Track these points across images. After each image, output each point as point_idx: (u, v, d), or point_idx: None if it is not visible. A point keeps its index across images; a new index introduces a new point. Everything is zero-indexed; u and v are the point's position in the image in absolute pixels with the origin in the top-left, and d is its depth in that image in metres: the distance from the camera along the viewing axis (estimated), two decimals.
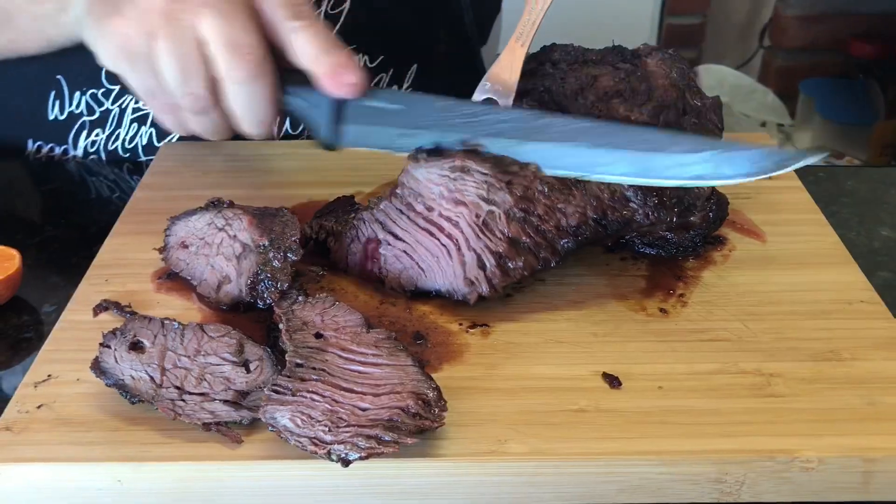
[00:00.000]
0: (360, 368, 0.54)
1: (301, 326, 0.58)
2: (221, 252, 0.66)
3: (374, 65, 0.97)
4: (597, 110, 0.66)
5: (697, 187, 0.67)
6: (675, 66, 0.70)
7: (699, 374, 0.59)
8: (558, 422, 0.55)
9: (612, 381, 0.58)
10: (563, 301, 0.65)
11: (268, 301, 0.61)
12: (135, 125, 0.94)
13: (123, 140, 0.94)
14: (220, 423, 0.54)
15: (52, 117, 0.95)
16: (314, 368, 0.54)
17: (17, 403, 0.57)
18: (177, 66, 0.61)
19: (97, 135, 0.94)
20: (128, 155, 0.93)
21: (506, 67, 0.68)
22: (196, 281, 0.66)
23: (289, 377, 0.53)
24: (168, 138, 0.93)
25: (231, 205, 0.68)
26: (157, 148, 0.90)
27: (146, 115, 0.92)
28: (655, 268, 0.69)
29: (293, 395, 0.52)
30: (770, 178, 0.62)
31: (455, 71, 1.04)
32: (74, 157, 0.94)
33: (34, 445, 0.54)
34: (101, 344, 0.57)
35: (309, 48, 0.62)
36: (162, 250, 0.69)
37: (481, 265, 0.62)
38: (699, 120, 0.71)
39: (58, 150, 0.95)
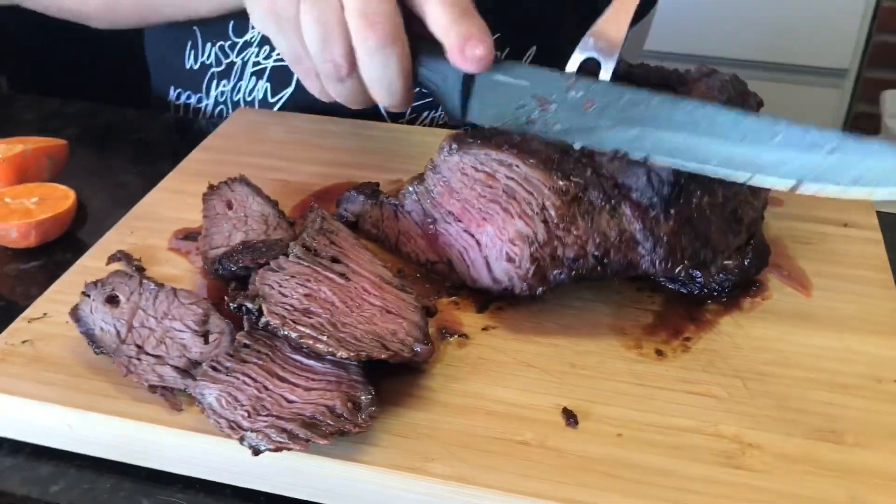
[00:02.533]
0: (303, 359, 0.54)
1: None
2: (250, 230, 0.66)
3: None
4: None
5: (729, 239, 0.61)
6: (723, 97, 0.63)
7: (668, 428, 0.53)
8: (494, 450, 0.52)
9: (570, 418, 0.54)
10: (555, 324, 0.61)
11: (231, 270, 0.61)
12: (254, 79, 0.97)
13: (244, 92, 0.98)
14: (165, 388, 0.55)
15: (188, 66, 1.01)
16: (259, 351, 0.54)
17: (7, 335, 0.60)
18: (318, 32, 0.62)
19: (224, 85, 0.98)
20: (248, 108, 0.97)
21: (612, 22, 0.62)
22: (204, 233, 0.67)
23: (231, 356, 0.53)
24: (280, 95, 0.96)
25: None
26: (272, 103, 0.93)
27: (264, 70, 0.96)
28: (670, 304, 0.63)
29: (227, 374, 0.52)
30: None
31: None
32: (207, 105, 0.99)
33: (3, 377, 0.57)
34: (82, 292, 0.59)
35: (442, 17, 0.60)
36: (213, 188, 0.71)
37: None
38: None
39: (194, 99, 1.01)
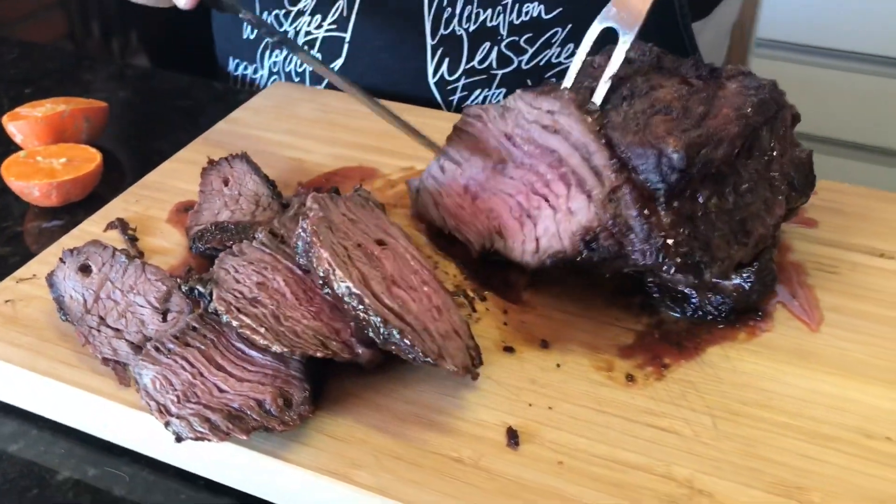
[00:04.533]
0: (246, 349, 0.53)
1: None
2: (238, 210, 0.66)
3: (549, 16, 0.90)
4: (636, 121, 0.56)
5: (732, 249, 0.56)
6: (755, 98, 0.57)
7: (615, 462, 0.49)
8: (426, 465, 0.50)
9: (512, 438, 0.51)
10: (528, 335, 0.58)
11: (201, 250, 0.61)
12: (305, 48, 0.97)
13: (296, 63, 0.98)
14: (118, 362, 0.55)
15: (245, 37, 1.02)
16: (204, 336, 0.53)
17: None
18: None
19: (277, 56, 0.99)
20: (298, 79, 0.98)
21: None
22: (196, 208, 0.67)
23: (176, 338, 0.53)
24: (331, 67, 0.95)
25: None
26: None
27: (315, 39, 0.96)
28: (659, 326, 0.59)
29: (167, 356, 0.52)
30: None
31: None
32: (262, 76, 1.00)
33: None
34: (59, 258, 0.60)
35: None
36: (213, 163, 0.71)
37: None
38: (766, 169, 0.58)
39: (250, 69, 1.02)
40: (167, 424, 0.49)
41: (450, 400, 0.54)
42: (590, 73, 0.61)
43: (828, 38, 2.06)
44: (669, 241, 0.54)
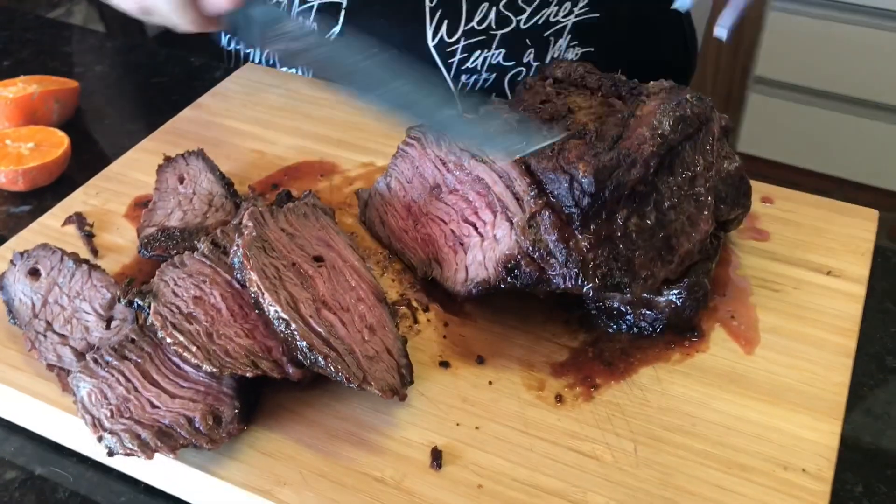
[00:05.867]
0: (181, 364, 0.54)
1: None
2: (190, 210, 0.67)
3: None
4: (552, 147, 0.57)
5: (656, 267, 0.57)
6: (674, 115, 0.57)
7: (532, 486, 0.51)
8: (348, 484, 0.51)
9: (436, 459, 0.52)
10: (466, 350, 0.59)
11: (148, 256, 0.62)
12: (300, 18, 0.96)
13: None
14: (62, 368, 0.56)
15: None
16: (142, 349, 0.55)
17: None
18: None
19: None
20: None
21: None
22: (150, 206, 0.68)
23: (115, 350, 0.54)
24: (328, 35, 0.95)
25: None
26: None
27: (311, 7, 0.95)
28: (594, 344, 0.59)
29: (104, 369, 0.53)
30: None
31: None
32: (255, 50, 1.00)
33: None
34: (10, 260, 0.62)
35: None
36: (169, 160, 0.72)
37: None
38: (690, 185, 0.58)
39: (243, 44, 1.01)
40: (100, 439, 0.51)
41: (381, 417, 0.55)
42: (524, 96, 0.61)
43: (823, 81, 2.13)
44: (588, 264, 0.55)
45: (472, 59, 0.90)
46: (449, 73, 0.91)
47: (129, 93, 0.94)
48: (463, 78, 0.90)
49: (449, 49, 0.89)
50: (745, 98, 2.31)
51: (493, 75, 0.89)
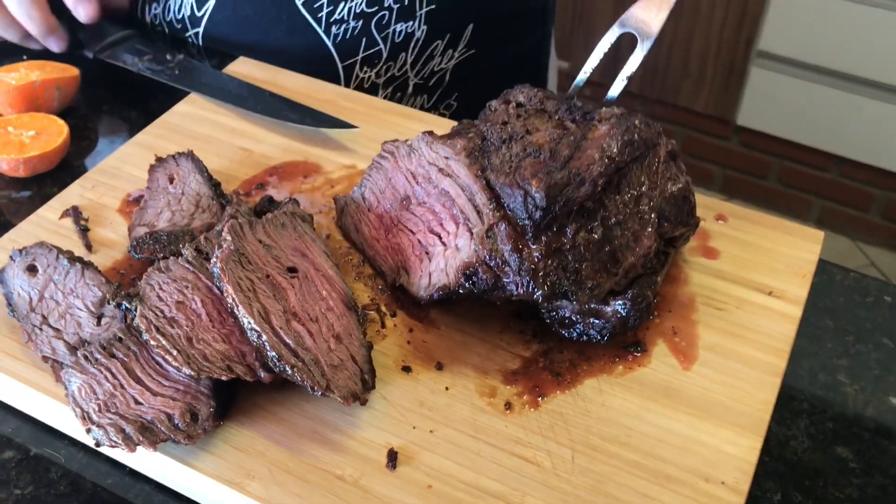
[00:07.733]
0: (163, 363, 0.59)
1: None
2: (178, 211, 0.71)
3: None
4: (510, 163, 0.62)
5: (601, 278, 0.62)
6: (622, 139, 0.62)
7: (476, 489, 0.56)
8: (311, 480, 0.57)
9: (391, 460, 0.58)
10: (427, 355, 0.64)
11: (136, 258, 0.67)
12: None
13: (174, 11, 1.03)
14: (56, 360, 0.62)
15: None
16: (128, 348, 0.60)
17: None
18: None
19: (155, 8, 1.04)
20: (180, 26, 1.02)
21: (653, 5, 0.66)
22: (142, 205, 0.73)
23: (103, 348, 0.60)
24: (204, 9, 1.00)
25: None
26: (199, 17, 1.00)
27: None
28: (545, 354, 0.65)
29: (94, 366, 0.59)
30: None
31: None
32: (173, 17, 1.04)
33: None
34: (10, 256, 0.67)
35: None
36: (160, 160, 0.77)
37: None
38: (635, 204, 0.63)
39: (158, 10, 1.04)
40: (88, 431, 0.56)
41: (345, 418, 0.60)
42: (488, 117, 0.66)
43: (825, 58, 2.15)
44: (539, 272, 0.60)
45: (338, 11, 0.98)
46: (320, 26, 0.98)
47: (127, 81, 0.98)
48: (333, 29, 0.98)
49: (316, 4, 0.97)
50: (747, 72, 2.33)
51: (360, 22, 0.98)
